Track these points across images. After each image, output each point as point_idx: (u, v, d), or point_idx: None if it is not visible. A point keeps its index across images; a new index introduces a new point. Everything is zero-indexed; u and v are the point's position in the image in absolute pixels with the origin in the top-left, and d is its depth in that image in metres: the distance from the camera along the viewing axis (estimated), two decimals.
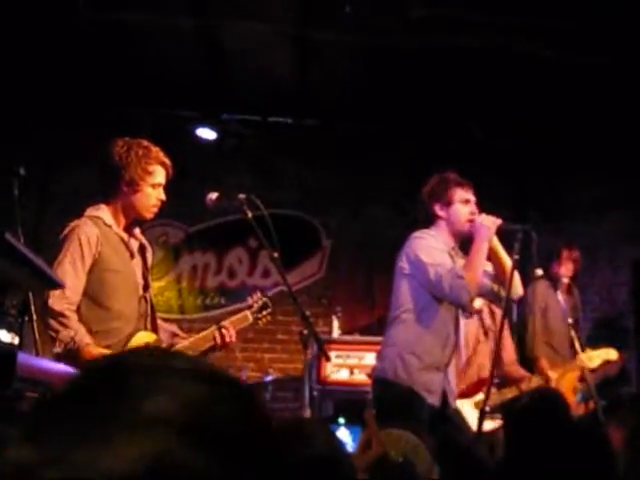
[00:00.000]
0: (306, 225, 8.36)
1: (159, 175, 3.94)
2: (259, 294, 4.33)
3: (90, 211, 3.92)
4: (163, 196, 3.98)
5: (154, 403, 0.75)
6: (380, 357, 4.68)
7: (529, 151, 8.20)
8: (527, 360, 6.03)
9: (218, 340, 4.00)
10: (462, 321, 4.79)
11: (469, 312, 4.67)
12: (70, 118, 7.63)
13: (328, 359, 4.56)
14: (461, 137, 7.97)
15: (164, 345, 3.96)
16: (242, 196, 3.95)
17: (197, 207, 7.78)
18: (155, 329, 4.02)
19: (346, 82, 6.94)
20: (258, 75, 6.87)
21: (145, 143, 3.93)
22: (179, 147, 7.94)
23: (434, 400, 4.45)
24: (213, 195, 4.16)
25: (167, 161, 3.96)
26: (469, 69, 6.51)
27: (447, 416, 4.53)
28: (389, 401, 4.41)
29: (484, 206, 4.67)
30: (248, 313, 4.22)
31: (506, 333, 5.79)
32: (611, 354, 5.84)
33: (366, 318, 7.98)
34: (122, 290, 3.86)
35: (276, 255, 3.87)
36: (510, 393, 5.53)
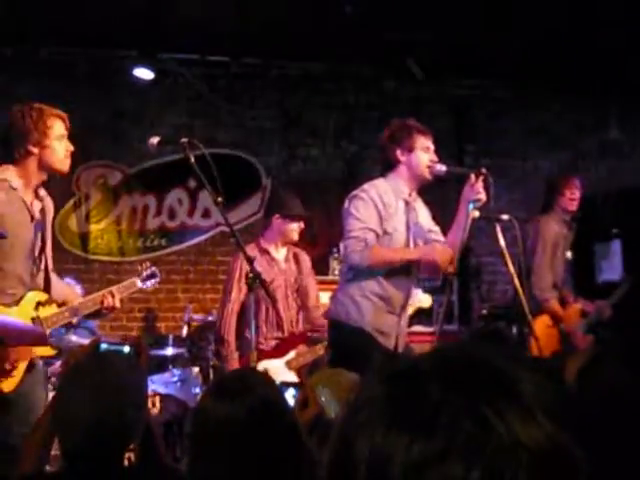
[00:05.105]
0: (245, 164, 8.33)
1: (59, 127, 4.04)
2: (147, 264, 4.67)
3: None
4: (71, 147, 4.08)
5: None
6: (333, 299, 4.69)
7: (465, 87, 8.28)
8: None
9: (105, 304, 4.21)
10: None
11: None
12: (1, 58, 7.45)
13: (275, 301, 4.57)
14: (399, 75, 7.99)
15: (56, 303, 4.12)
16: (184, 140, 3.93)
17: (135, 148, 7.72)
18: (48, 289, 4.14)
19: (285, 21, 6.87)
20: (195, 13, 6.76)
21: (36, 104, 4.03)
22: (116, 87, 7.86)
23: (387, 342, 4.49)
24: (155, 140, 4.14)
25: (61, 113, 4.08)
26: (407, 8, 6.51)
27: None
28: (342, 343, 4.50)
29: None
30: (137, 280, 4.53)
31: (311, 279, 5.86)
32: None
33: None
34: (18, 252, 3.97)
35: (219, 198, 3.87)
36: (321, 350, 5.48)
